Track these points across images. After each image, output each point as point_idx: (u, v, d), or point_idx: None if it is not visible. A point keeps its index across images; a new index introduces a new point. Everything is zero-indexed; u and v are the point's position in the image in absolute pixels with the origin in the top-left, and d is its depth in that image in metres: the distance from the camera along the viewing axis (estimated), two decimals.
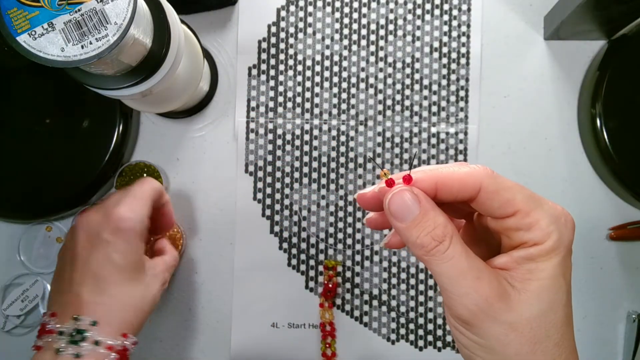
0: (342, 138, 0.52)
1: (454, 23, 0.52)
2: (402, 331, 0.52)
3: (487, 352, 0.25)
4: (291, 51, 0.52)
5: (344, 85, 0.52)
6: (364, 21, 0.52)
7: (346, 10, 0.52)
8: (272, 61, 0.52)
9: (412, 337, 0.52)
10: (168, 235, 0.50)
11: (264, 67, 0.52)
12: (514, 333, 0.25)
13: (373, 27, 0.52)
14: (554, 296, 0.25)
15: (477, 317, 0.25)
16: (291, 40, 0.52)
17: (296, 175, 0.52)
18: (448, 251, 0.25)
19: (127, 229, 0.40)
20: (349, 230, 0.52)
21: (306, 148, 0.52)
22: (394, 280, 0.52)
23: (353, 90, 0.52)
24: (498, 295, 0.25)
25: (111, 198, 0.42)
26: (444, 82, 0.52)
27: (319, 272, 0.52)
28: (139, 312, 0.40)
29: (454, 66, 0.52)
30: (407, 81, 0.52)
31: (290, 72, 0.52)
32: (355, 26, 0.52)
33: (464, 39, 0.52)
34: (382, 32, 0.52)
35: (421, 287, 0.52)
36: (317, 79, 0.52)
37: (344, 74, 0.52)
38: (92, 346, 0.37)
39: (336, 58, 0.52)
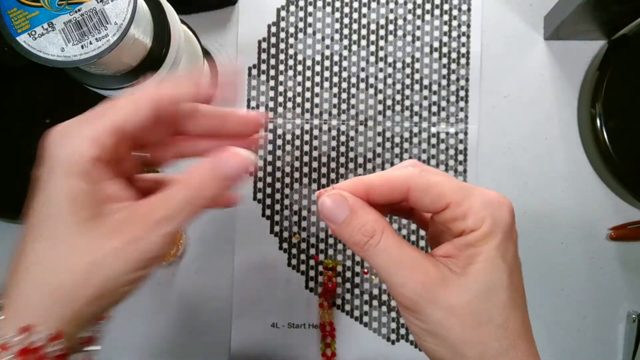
0: (342, 138, 0.52)
1: (454, 23, 0.52)
2: (402, 331, 0.52)
3: (433, 337, 0.26)
4: (291, 51, 0.52)
5: (344, 85, 0.52)
6: (364, 21, 0.52)
7: (346, 10, 0.52)
8: (272, 61, 0.52)
9: (412, 337, 0.52)
10: None
11: (264, 67, 0.52)
12: (454, 317, 0.25)
13: (373, 27, 0.52)
14: (493, 278, 0.26)
15: (418, 304, 0.26)
16: (291, 40, 0.52)
17: (296, 175, 0.52)
18: (380, 244, 0.26)
19: (49, 159, 0.26)
20: None
21: (306, 148, 0.52)
22: None
23: (353, 90, 0.52)
24: (436, 281, 0.26)
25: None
26: (444, 82, 0.52)
27: (319, 272, 0.52)
28: (66, 289, 0.24)
29: (454, 66, 0.52)
30: (407, 81, 0.52)
31: (290, 72, 0.52)
32: (355, 26, 0.52)
33: (464, 39, 0.52)
34: (382, 32, 0.52)
35: None
36: (317, 79, 0.52)
37: (344, 74, 0.52)
38: None
39: (336, 58, 0.52)
